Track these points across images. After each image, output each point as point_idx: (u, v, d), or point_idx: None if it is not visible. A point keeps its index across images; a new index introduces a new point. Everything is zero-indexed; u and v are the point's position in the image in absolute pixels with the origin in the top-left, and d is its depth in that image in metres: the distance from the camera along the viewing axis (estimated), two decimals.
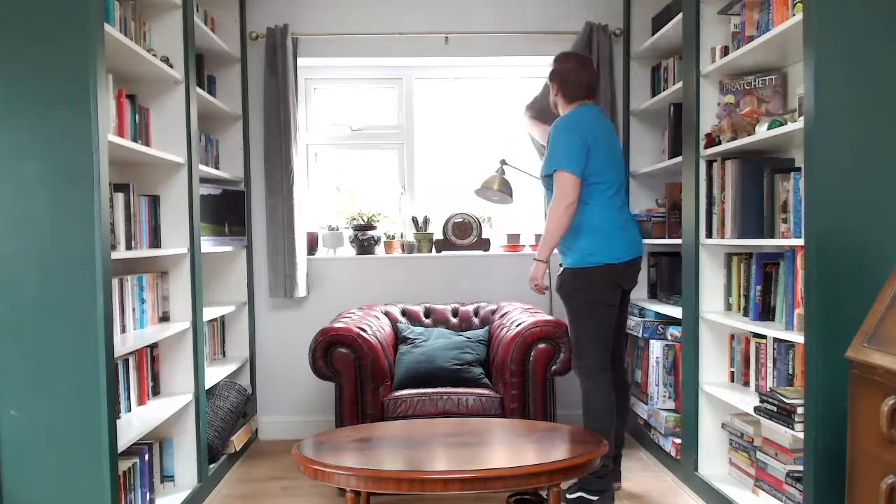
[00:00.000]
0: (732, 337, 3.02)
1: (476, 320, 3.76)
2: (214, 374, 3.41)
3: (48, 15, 2.14)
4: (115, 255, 2.34)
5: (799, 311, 2.43)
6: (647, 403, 3.63)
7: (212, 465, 3.21)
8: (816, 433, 2.20)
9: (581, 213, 2.91)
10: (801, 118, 2.31)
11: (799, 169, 2.52)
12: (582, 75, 3.00)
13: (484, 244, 4.10)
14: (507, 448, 2.39)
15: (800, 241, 2.35)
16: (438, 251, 4.10)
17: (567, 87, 3.02)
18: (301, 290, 3.90)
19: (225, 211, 3.62)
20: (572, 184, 2.85)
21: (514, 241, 4.12)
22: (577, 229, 2.93)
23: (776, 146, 2.78)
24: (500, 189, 3.71)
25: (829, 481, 2.17)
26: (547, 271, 3.08)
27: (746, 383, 2.92)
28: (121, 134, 2.61)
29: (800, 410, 2.34)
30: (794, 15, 2.42)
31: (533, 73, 4.07)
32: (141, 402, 2.82)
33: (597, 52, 3.86)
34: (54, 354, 2.16)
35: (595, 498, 2.87)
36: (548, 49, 3.88)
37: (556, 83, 3.06)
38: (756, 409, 2.58)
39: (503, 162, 3.79)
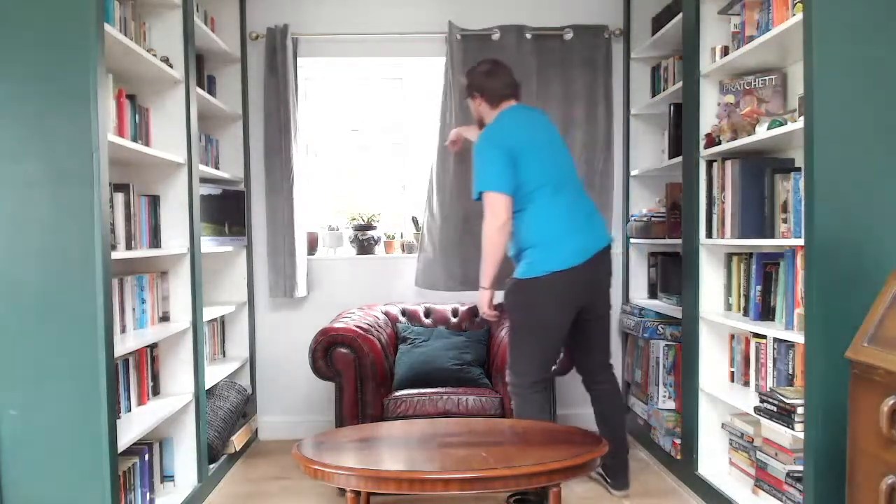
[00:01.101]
0: (732, 337, 3.02)
1: (476, 320, 3.76)
2: (214, 374, 3.41)
3: (48, 15, 2.14)
4: (115, 255, 2.34)
5: (799, 311, 2.44)
6: (647, 403, 3.63)
7: (212, 465, 3.22)
8: (816, 433, 2.20)
9: (520, 222, 2.82)
10: (801, 118, 2.31)
11: (799, 169, 2.52)
12: (498, 76, 2.96)
13: None
14: (507, 448, 2.38)
15: (800, 241, 2.35)
16: None
17: (488, 93, 2.97)
18: (301, 290, 3.90)
19: (225, 211, 3.62)
20: (501, 204, 2.77)
21: None
22: (518, 240, 2.84)
23: (776, 146, 2.78)
24: None
25: (829, 481, 2.17)
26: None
27: (746, 383, 2.92)
28: (121, 134, 2.61)
29: (800, 410, 2.34)
30: (794, 15, 2.42)
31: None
32: (141, 402, 2.82)
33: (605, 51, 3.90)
34: (54, 354, 2.16)
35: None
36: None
37: (477, 93, 3.01)
38: (756, 409, 2.58)
39: None
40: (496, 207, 2.78)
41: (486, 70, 2.99)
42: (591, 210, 2.95)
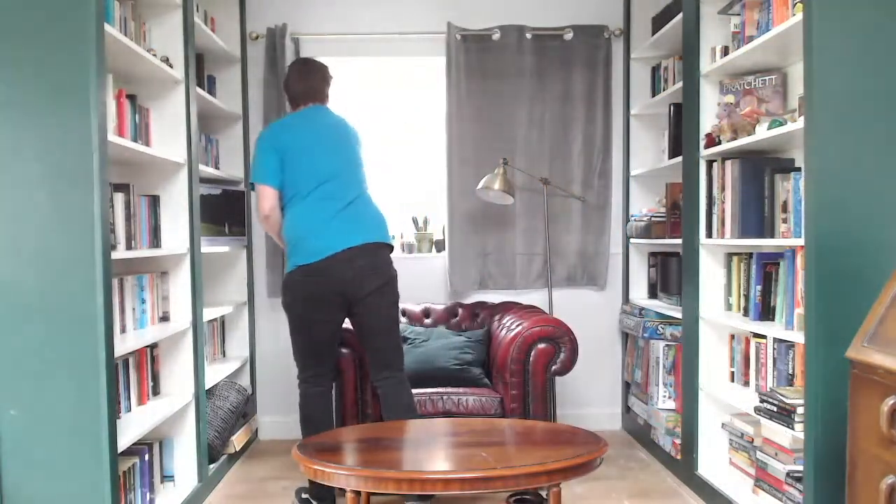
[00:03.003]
0: (732, 337, 3.02)
1: (476, 320, 3.76)
2: (214, 374, 3.41)
3: (48, 15, 2.14)
4: (115, 255, 2.34)
5: (799, 311, 2.44)
6: (647, 403, 3.63)
7: (212, 465, 3.22)
8: (816, 433, 2.20)
9: (283, 221, 2.88)
10: (801, 118, 2.31)
11: (799, 169, 2.52)
12: (298, 83, 2.98)
13: None
14: (507, 448, 2.38)
15: (800, 241, 2.35)
16: (438, 251, 4.11)
17: (288, 96, 3.03)
18: None
19: (225, 211, 3.62)
20: (263, 195, 2.86)
21: None
22: (283, 238, 2.91)
23: (776, 146, 2.78)
24: (502, 188, 3.71)
25: (829, 481, 2.17)
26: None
27: (746, 383, 2.92)
28: (121, 134, 2.61)
29: (800, 410, 2.34)
30: (794, 15, 2.42)
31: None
32: (141, 402, 2.82)
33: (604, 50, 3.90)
34: (54, 354, 2.16)
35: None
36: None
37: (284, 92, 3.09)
38: (756, 409, 2.58)
39: (504, 161, 3.79)
40: (259, 199, 2.89)
41: (293, 75, 3.02)
42: (355, 208, 2.87)
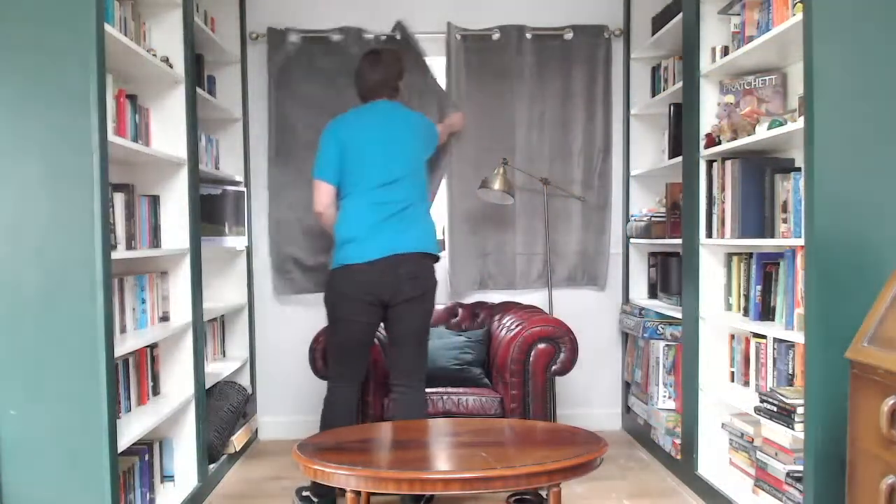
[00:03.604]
0: (732, 337, 3.02)
1: (476, 320, 3.76)
2: (214, 374, 3.41)
3: (48, 15, 2.14)
4: (115, 255, 2.34)
5: (799, 311, 2.43)
6: (647, 403, 3.63)
7: (212, 465, 3.21)
8: (816, 433, 2.20)
9: (337, 216, 2.86)
10: (801, 118, 2.31)
11: (799, 169, 2.52)
12: (366, 77, 2.94)
13: None
14: (507, 448, 2.38)
15: (800, 241, 2.35)
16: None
17: (358, 88, 2.99)
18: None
19: (225, 211, 3.62)
20: (318, 190, 2.87)
21: None
22: (334, 233, 2.89)
23: (776, 146, 2.78)
24: (502, 188, 3.71)
25: (829, 481, 2.17)
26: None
27: (746, 383, 2.92)
28: (121, 134, 2.61)
29: (800, 410, 2.34)
30: (794, 15, 2.42)
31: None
32: (141, 402, 2.81)
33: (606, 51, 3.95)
34: (54, 354, 2.16)
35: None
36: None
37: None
38: (756, 409, 2.58)
39: (504, 161, 3.79)
40: (315, 194, 2.90)
41: (366, 66, 2.96)
42: (403, 215, 2.81)
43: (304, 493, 2.93)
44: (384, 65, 2.95)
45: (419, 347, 2.89)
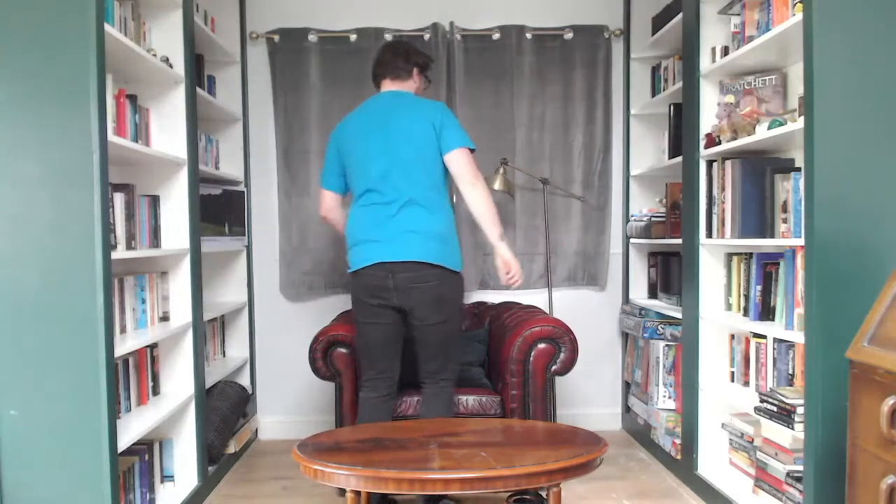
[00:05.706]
0: (732, 337, 3.02)
1: (476, 320, 3.76)
2: (214, 374, 3.41)
3: (48, 15, 2.14)
4: (115, 255, 2.34)
5: (799, 310, 2.43)
6: (647, 403, 3.63)
7: (212, 466, 3.21)
8: (816, 433, 2.20)
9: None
10: (801, 118, 2.31)
11: (799, 169, 2.52)
12: (377, 58, 2.89)
13: None
14: (507, 448, 2.38)
15: (800, 241, 2.35)
16: None
17: (372, 77, 2.93)
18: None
19: (225, 211, 3.62)
20: (320, 196, 2.91)
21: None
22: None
23: (776, 146, 2.78)
24: (502, 188, 3.70)
25: (829, 481, 2.17)
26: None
27: (746, 383, 2.92)
28: (121, 134, 2.61)
29: (800, 410, 2.34)
30: (794, 15, 2.42)
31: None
32: (141, 402, 2.81)
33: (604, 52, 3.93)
34: (54, 354, 2.16)
35: None
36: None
37: None
38: (756, 409, 2.58)
39: (504, 161, 3.79)
40: (319, 201, 2.95)
41: (378, 55, 2.90)
42: (394, 214, 2.67)
43: None
44: (392, 48, 2.91)
45: (438, 350, 2.80)
